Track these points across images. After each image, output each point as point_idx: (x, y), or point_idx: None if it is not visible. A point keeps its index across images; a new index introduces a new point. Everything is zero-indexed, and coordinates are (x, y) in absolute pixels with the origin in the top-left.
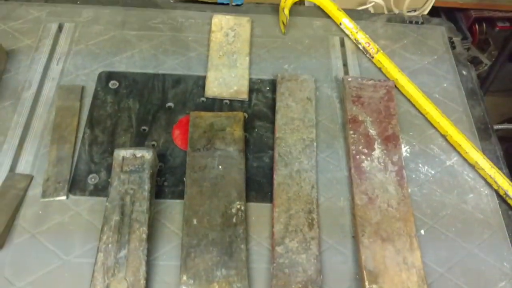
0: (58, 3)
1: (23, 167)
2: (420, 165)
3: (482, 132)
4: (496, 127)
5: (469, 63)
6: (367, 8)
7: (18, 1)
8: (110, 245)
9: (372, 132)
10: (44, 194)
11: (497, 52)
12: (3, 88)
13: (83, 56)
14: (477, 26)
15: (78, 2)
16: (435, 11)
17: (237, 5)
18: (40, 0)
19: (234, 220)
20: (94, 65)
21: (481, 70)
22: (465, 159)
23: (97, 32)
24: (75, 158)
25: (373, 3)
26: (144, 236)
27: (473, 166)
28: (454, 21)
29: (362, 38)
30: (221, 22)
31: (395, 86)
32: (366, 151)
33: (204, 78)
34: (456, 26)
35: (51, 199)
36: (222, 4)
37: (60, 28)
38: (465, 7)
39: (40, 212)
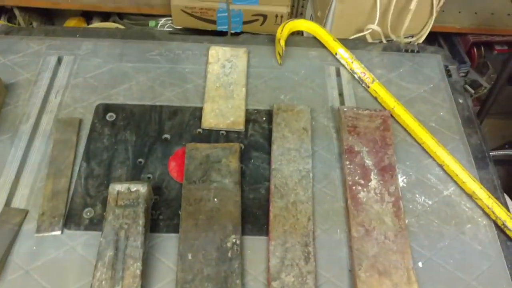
0: (58, 37)
1: (18, 201)
2: (417, 195)
3: (479, 161)
4: (493, 153)
5: (465, 91)
6: (364, 36)
7: (19, 35)
8: (103, 282)
9: (368, 162)
10: (38, 229)
11: (496, 75)
12: (2, 121)
13: (81, 88)
14: (475, 50)
15: (78, 36)
16: (433, 36)
17: (235, 33)
18: (41, 34)
19: (229, 254)
20: (92, 97)
21: (480, 93)
22: (462, 189)
23: (96, 64)
24: (71, 192)
25: (370, 30)
26: (138, 272)
27: (470, 196)
28: (452, 46)
29: (358, 68)
30: (218, 53)
31: (391, 115)
32: (362, 181)
33: (201, 109)
34: (454, 50)
35: (46, 234)
36: (221, 32)
37: (59, 61)
38: (463, 32)
39: (35, 247)
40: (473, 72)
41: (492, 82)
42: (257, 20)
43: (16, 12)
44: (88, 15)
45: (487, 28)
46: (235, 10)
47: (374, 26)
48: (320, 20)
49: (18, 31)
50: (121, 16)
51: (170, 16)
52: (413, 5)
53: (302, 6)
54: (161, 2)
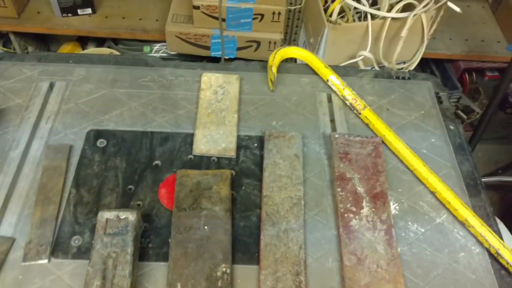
0: (51, 63)
1: (5, 229)
2: (409, 223)
3: (471, 188)
4: (486, 179)
5: (457, 117)
6: (356, 62)
7: (12, 61)
8: None
9: (360, 189)
10: (25, 258)
11: (488, 101)
12: None
13: (73, 114)
14: (467, 76)
15: (71, 61)
16: (425, 62)
17: (229, 58)
18: (33, 60)
19: (219, 283)
20: (83, 123)
21: (473, 119)
22: (455, 217)
23: (88, 90)
24: (59, 219)
25: (363, 56)
26: None
27: (463, 224)
28: (444, 72)
29: (349, 95)
30: (210, 79)
31: (383, 142)
32: (354, 209)
33: (192, 135)
34: (446, 76)
35: (33, 262)
36: (215, 57)
37: (51, 86)
38: (454, 58)
39: (20, 276)
40: (465, 98)
41: (484, 108)
42: (251, 46)
43: (12, 37)
44: (83, 40)
45: (477, 55)
46: (229, 36)
47: (366, 53)
48: (313, 47)
49: (11, 57)
50: (116, 41)
51: (164, 41)
52: (404, 33)
53: (296, 33)
54: (156, 28)
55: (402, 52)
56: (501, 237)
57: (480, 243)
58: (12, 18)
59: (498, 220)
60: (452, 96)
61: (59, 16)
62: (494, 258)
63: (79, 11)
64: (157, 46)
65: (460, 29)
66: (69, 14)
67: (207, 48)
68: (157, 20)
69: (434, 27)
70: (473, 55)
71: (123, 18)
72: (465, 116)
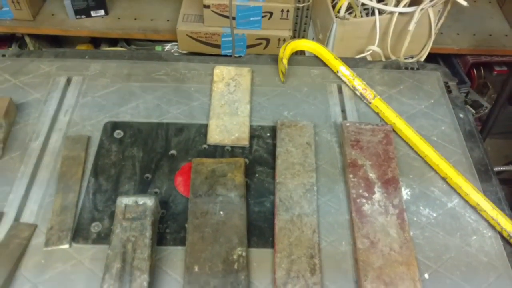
0: (68, 58)
1: (27, 217)
2: (421, 207)
3: (483, 174)
4: (498, 168)
5: (466, 106)
6: (365, 57)
7: (30, 57)
8: None
9: (372, 175)
10: (47, 243)
11: (496, 95)
12: (12, 140)
13: (90, 107)
14: (475, 71)
15: (87, 57)
16: (432, 58)
17: (239, 56)
18: (50, 56)
19: (235, 266)
20: (100, 116)
21: (481, 113)
22: (466, 201)
23: (104, 84)
24: (79, 207)
25: (371, 51)
26: (145, 284)
27: (474, 208)
28: (452, 67)
29: (359, 85)
30: (223, 72)
31: (393, 130)
32: (366, 194)
33: (206, 126)
34: (453, 71)
35: (54, 248)
36: (226, 56)
37: (68, 81)
38: (462, 53)
39: (43, 261)
40: (473, 93)
41: (493, 102)
42: (260, 44)
43: (27, 39)
44: (96, 42)
45: (485, 49)
46: (239, 34)
47: (375, 47)
48: (322, 43)
49: (29, 54)
50: (128, 42)
51: (176, 41)
52: (411, 26)
53: (304, 30)
54: (167, 28)
55: (410, 46)
56: None
57: (492, 226)
58: (28, 20)
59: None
60: (460, 91)
61: (73, 18)
62: (507, 241)
63: (92, 13)
64: (168, 46)
65: (468, 24)
66: (83, 16)
67: (218, 46)
68: (168, 21)
69: (441, 21)
70: (481, 49)
71: (135, 19)
72: (473, 111)
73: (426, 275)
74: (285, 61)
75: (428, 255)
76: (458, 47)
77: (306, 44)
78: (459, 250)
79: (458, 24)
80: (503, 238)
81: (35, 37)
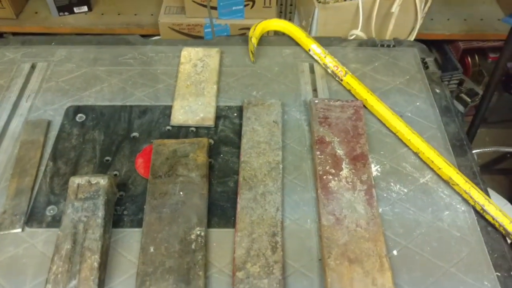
0: (34, 45)
1: None
2: (391, 184)
3: (458, 149)
4: (477, 150)
5: (442, 82)
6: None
7: None
8: (59, 276)
9: (340, 152)
10: None
11: (488, 82)
12: None
13: (53, 92)
14: (469, 59)
15: (53, 43)
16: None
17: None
18: (17, 43)
19: (193, 246)
20: (63, 100)
21: (477, 102)
22: (439, 176)
23: (69, 69)
24: (35, 191)
25: (354, 35)
26: (96, 264)
27: (447, 183)
28: (444, 54)
29: (330, 62)
30: (190, 54)
31: (364, 106)
32: (333, 171)
33: (170, 107)
34: (445, 58)
35: (6, 232)
36: (195, 38)
37: (33, 67)
38: (453, 39)
39: None
40: (469, 81)
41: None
42: (244, 34)
43: (10, 37)
44: None
45: (477, 34)
46: (221, 25)
47: (358, 32)
48: (305, 29)
49: None
50: None
51: (159, 35)
52: (395, 8)
53: (290, 19)
54: (151, 22)
55: (396, 31)
56: (488, 195)
57: (465, 201)
58: (10, 19)
59: (506, 201)
60: (453, 77)
61: (56, 15)
62: (480, 215)
63: (75, 9)
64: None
65: (458, 9)
66: (66, 13)
67: (201, 38)
68: (152, 15)
69: (428, 4)
70: (473, 34)
71: (119, 14)
72: (469, 99)
73: (395, 252)
74: (254, 40)
75: (397, 231)
76: (449, 33)
77: (277, 24)
78: (430, 226)
79: (448, 9)
80: (476, 212)
81: (18, 35)
